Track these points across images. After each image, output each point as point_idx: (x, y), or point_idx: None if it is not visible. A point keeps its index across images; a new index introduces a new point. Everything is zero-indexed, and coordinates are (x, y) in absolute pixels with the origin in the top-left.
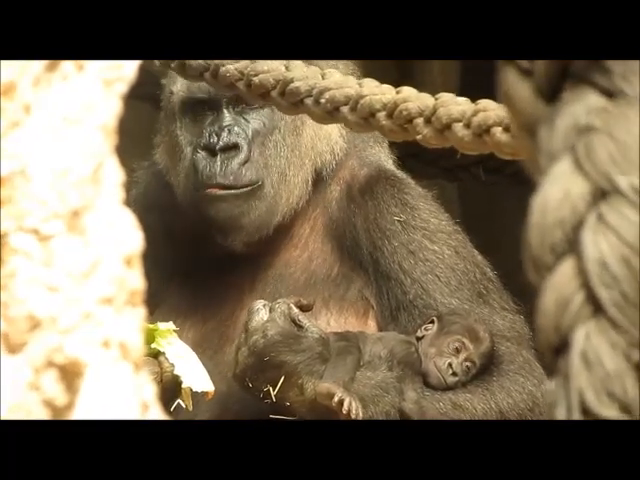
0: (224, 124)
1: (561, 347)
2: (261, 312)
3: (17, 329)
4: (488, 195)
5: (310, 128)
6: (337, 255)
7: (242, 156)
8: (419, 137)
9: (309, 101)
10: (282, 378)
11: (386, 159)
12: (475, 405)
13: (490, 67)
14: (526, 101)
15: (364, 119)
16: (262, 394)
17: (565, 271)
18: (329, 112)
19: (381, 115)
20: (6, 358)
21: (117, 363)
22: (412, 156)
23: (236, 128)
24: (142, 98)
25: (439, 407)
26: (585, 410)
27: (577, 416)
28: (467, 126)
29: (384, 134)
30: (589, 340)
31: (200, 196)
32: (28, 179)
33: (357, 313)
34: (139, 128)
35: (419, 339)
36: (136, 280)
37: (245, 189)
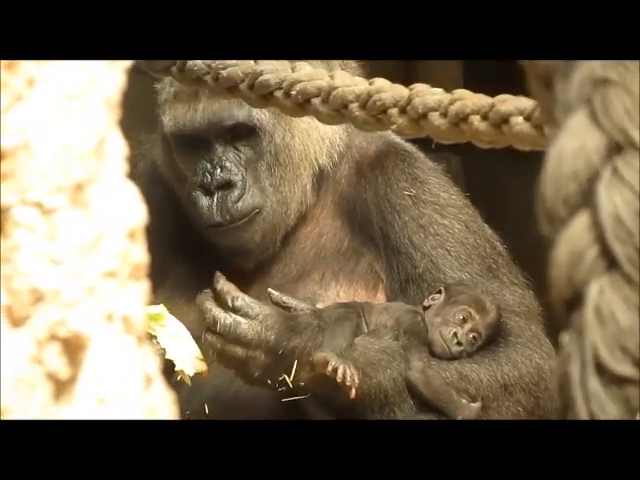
0: (215, 160)
1: (574, 301)
2: (220, 314)
3: (20, 302)
4: (492, 167)
5: (300, 138)
6: (347, 230)
7: (237, 192)
8: (393, 127)
9: (279, 94)
10: (295, 363)
11: (391, 131)
12: (481, 376)
13: (494, 65)
14: None
15: (336, 111)
16: (278, 384)
17: (579, 224)
18: (300, 104)
19: (354, 106)
20: (9, 331)
21: (120, 337)
22: None
23: (227, 163)
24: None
25: (445, 377)
26: (599, 365)
27: (591, 371)
28: (444, 115)
29: (357, 126)
30: (603, 295)
31: (202, 228)
32: (31, 153)
33: (367, 286)
34: (144, 101)
35: (426, 309)
36: (140, 254)
37: (244, 220)
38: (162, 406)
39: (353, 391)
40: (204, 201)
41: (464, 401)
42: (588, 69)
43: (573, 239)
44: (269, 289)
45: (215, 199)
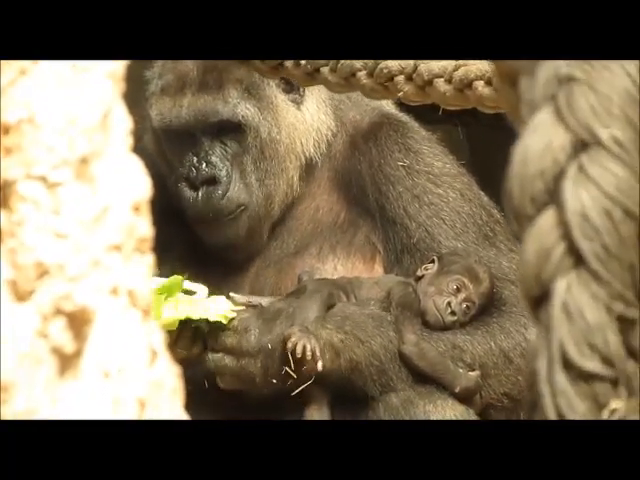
0: (202, 155)
1: (542, 298)
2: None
3: (25, 277)
4: (494, 139)
5: (286, 131)
6: (343, 203)
7: (222, 188)
8: (400, 94)
9: (289, 64)
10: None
11: (385, 102)
12: (475, 345)
13: None
14: None
15: (345, 79)
16: (283, 380)
17: (546, 222)
18: (309, 74)
19: (361, 74)
20: (14, 306)
21: (126, 310)
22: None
23: (213, 158)
24: None
25: (439, 347)
26: (566, 361)
27: (558, 367)
28: (449, 81)
29: (365, 93)
30: (570, 291)
31: (189, 220)
32: (36, 127)
33: (364, 258)
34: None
35: (419, 278)
36: (145, 227)
37: (230, 217)
38: (167, 380)
39: (319, 364)
40: (189, 194)
41: (461, 371)
42: (553, 67)
43: (540, 236)
44: (230, 293)
45: (200, 193)
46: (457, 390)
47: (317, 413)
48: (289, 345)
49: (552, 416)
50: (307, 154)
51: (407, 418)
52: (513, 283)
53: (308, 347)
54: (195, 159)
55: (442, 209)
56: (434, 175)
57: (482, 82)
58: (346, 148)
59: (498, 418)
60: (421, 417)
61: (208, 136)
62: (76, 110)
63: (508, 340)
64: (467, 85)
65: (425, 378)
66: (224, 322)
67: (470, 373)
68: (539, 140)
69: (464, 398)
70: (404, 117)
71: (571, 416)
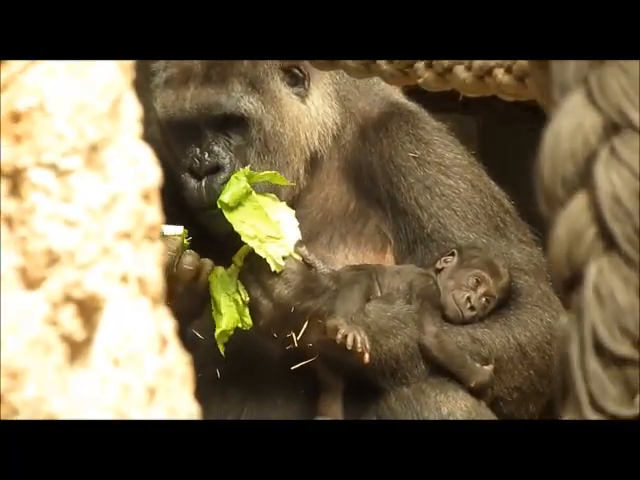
0: (205, 146)
1: (574, 281)
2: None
3: (36, 264)
4: (507, 128)
5: (290, 125)
6: (353, 193)
7: (224, 176)
8: (420, 81)
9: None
10: (305, 323)
11: (394, 91)
12: (494, 339)
13: None
14: None
15: (365, 65)
16: (284, 340)
17: (577, 205)
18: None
19: (382, 61)
20: (25, 293)
21: (135, 298)
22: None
23: (216, 148)
24: None
25: (458, 341)
26: (598, 346)
27: (590, 352)
28: (468, 68)
29: (385, 79)
30: (602, 275)
31: (192, 210)
32: (46, 114)
33: (375, 247)
34: None
35: (438, 271)
36: (154, 215)
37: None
38: (177, 368)
39: (366, 356)
40: (192, 184)
41: (477, 365)
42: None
43: (571, 219)
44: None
45: (203, 183)
46: (472, 385)
47: (331, 401)
48: (339, 336)
49: (584, 401)
50: (312, 147)
51: (419, 408)
52: (526, 273)
53: (358, 339)
54: (198, 150)
55: (453, 200)
56: (445, 166)
57: (502, 70)
58: (356, 138)
59: (506, 411)
60: (432, 407)
61: (212, 129)
62: (86, 98)
63: (525, 333)
64: (487, 72)
65: (441, 370)
66: (275, 268)
67: (485, 367)
68: (570, 122)
69: (477, 392)
70: (414, 107)
71: (603, 401)
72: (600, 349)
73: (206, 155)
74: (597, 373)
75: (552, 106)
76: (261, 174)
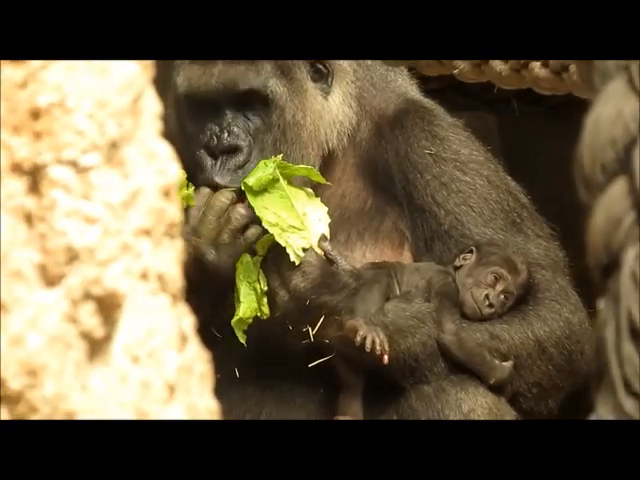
0: (224, 125)
1: (611, 267)
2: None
3: (55, 261)
4: (527, 127)
5: (312, 118)
6: (370, 190)
7: (241, 158)
8: (456, 71)
9: None
10: (322, 318)
11: (410, 88)
12: (512, 335)
13: None
14: None
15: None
16: (300, 334)
17: (616, 191)
18: None
19: None
20: (44, 290)
21: (155, 295)
22: (452, 88)
23: (236, 129)
24: None
25: (477, 338)
26: (633, 330)
27: (626, 336)
28: (505, 61)
29: (421, 68)
30: (639, 261)
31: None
32: (67, 111)
33: (392, 244)
34: None
35: (457, 268)
36: (174, 211)
37: None
38: (197, 365)
39: (385, 357)
40: (207, 161)
41: (497, 362)
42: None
43: (610, 205)
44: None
45: (219, 162)
46: (492, 381)
47: (351, 400)
48: (358, 338)
49: (619, 385)
50: (330, 145)
51: (439, 406)
52: (544, 268)
53: (377, 341)
54: (217, 128)
55: (470, 196)
56: (461, 162)
57: (538, 63)
58: (372, 135)
59: (526, 407)
60: (453, 405)
61: (233, 108)
62: (106, 94)
63: (544, 328)
64: (524, 66)
65: (461, 368)
66: (294, 259)
67: (504, 364)
68: (611, 109)
69: (497, 388)
70: (430, 103)
71: (638, 385)
72: (635, 334)
73: (225, 134)
74: (632, 357)
75: (593, 93)
76: (297, 167)
